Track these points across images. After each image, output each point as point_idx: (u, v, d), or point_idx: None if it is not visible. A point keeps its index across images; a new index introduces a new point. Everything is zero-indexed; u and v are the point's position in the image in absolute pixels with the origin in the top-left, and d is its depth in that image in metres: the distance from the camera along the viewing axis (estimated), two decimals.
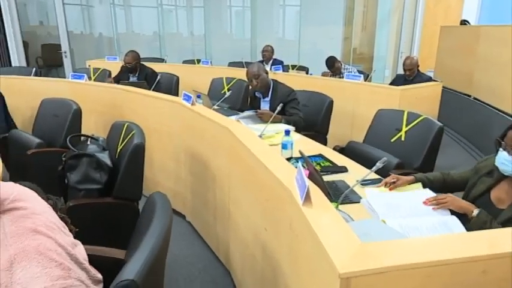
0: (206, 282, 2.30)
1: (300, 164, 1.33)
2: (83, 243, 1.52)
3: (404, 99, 3.47)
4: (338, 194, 1.57)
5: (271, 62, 5.18)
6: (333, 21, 6.74)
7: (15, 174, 2.74)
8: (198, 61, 5.48)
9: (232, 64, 5.48)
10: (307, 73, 4.94)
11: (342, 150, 2.34)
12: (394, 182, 1.61)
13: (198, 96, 2.99)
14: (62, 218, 1.22)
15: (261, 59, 5.41)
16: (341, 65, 4.82)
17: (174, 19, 7.86)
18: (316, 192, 1.27)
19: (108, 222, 2.05)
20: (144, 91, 3.32)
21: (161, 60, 5.90)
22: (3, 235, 1.09)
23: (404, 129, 2.41)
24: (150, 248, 1.03)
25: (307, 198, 1.18)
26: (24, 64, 6.20)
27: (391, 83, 4.33)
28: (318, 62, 5.25)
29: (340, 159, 2.04)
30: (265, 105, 3.02)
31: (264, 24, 7.14)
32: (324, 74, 4.80)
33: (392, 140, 2.42)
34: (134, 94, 3.31)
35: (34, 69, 4.39)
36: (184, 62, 5.78)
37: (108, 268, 1.27)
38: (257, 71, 2.91)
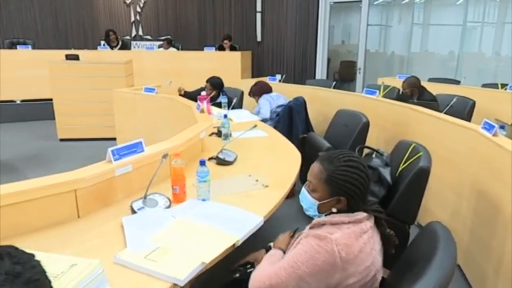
0: None
1: None
2: None
3: None
4: None
5: None
6: None
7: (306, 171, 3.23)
8: (503, 86, 4.68)
9: None
10: None
11: None
12: None
13: (502, 127, 2.55)
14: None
15: None
16: None
17: (477, 37, 7.05)
18: None
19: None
20: (433, 113, 3.15)
21: (456, 82, 5.44)
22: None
23: None
24: (436, 280, 0.97)
25: None
26: (324, 77, 7.22)
27: None
28: None
29: None
30: None
31: None
32: None
33: None
34: (422, 114, 3.21)
35: (334, 82, 4.99)
36: (484, 85, 5.08)
37: None
38: None
